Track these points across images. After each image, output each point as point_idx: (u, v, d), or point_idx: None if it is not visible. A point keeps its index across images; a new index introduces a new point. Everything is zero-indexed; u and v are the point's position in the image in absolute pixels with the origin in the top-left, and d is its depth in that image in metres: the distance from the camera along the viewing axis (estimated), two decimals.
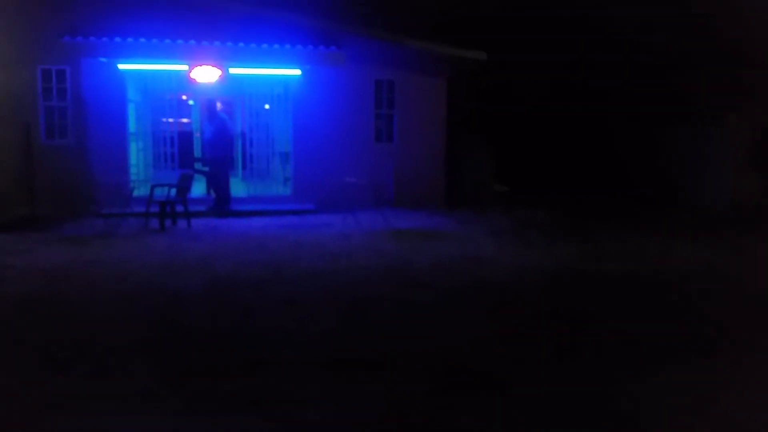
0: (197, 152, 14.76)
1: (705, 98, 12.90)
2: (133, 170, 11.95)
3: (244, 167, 13.29)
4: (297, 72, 11.92)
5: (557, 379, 4.17)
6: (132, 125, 12.19)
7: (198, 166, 12.92)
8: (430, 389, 3.99)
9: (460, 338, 4.96)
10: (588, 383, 4.11)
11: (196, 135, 15.34)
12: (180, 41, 11.04)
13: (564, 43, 15.65)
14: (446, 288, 6.46)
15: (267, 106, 13.49)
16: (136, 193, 10.96)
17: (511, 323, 5.35)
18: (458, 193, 13.02)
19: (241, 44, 11.22)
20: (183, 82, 12.09)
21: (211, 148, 11.42)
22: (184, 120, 15.05)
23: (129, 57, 11.03)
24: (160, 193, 10.19)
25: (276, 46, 11.32)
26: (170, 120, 13.39)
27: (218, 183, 11.27)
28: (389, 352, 4.60)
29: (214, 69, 11.31)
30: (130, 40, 10.86)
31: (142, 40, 10.90)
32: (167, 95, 13.35)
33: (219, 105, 11.59)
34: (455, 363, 4.41)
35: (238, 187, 12.32)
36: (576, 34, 15.56)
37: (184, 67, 11.35)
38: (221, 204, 11.14)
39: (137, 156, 12.40)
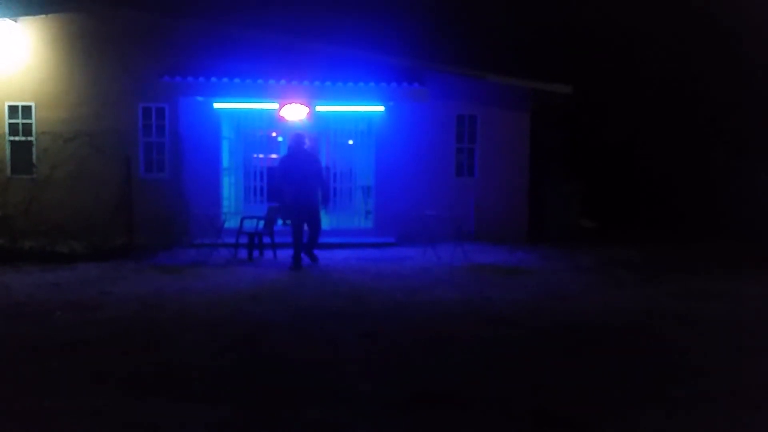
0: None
1: None
2: (225, 203, 12.49)
3: (327, 200, 13.57)
4: (380, 108, 12.17)
5: (642, 427, 3.95)
6: (225, 160, 12.79)
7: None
8: (511, 431, 3.89)
9: (542, 379, 4.80)
10: None
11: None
12: (271, 81, 11.56)
13: (658, 75, 15.21)
14: (528, 326, 6.29)
15: (351, 142, 13.81)
16: (226, 225, 11.40)
17: (597, 366, 5.14)
18: (542, 228, 12.76)
19: (327, 83, 11.60)
20: (273, 119, 12.59)
21: (306, 191, 9.59)
22: (273, 156, 15.65)
23: (223, 96, 11.64)
24: (249, 225, 10.58)
25: (361, 84, 11.64)
26: (260, 155, 13.97)
27: (314, 226, 9.84)
28: (468, 391, 4.52)
29: (302, 107, 11.72)
30: (225, 80, 11.48)
31: (236, 80, 11.49)
32: (258, 132, 13.95)
33: (307, 141, 11.52)
34: (536, 405, 4.27)
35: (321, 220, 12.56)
36: (671, 66, 15.10)
37: (274, 106, 11.84)
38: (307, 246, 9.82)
39: (229, 189, 12.96)
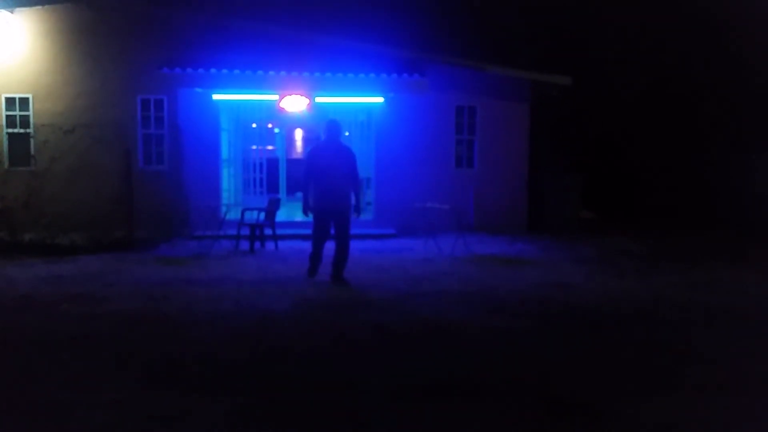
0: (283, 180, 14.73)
1: None
2: (224, 195, 12.49)
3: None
4: (380, 99, 12.17)
5: (653, 413, 4.01)
6: (224, 152, 12.77)
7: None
8: (524, 419, 3.93)
9: (552, 368, 4.85)
10: (687, 419, 3.93)
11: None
12: (271, 72, 11.52)
13: (658, 67, 15.25)
14: (533, 316, 6.35)
15: (347, 133, 13.80)
16: (227, 217, 11.40)
17: (606, 354, 5.20)
18: (541, 219, 12.82)
19: (327, 74, 11.59)
20: (271, 110, 12.57)
21: (340, 190, 7.74)
22: (270, 147, 15.64)
23: (223, 87, 11.61)
24: (250, 216, 10.59)
25: (361, 75, 11.63)
26: (259, 147, 13.97)
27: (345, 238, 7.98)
28: (479, 380, 4.56)
29: (302, 98, 11.72)
30: (224, 71, 11.44)
31: (236, 71, 11.45)
32: (257, 123, 13.93)
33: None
34: (548, 393, 4.32)
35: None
36: (667, 56, 15.14)
37: (274, 97, 11.82)
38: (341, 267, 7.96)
39: (228, 181, 12.96)
